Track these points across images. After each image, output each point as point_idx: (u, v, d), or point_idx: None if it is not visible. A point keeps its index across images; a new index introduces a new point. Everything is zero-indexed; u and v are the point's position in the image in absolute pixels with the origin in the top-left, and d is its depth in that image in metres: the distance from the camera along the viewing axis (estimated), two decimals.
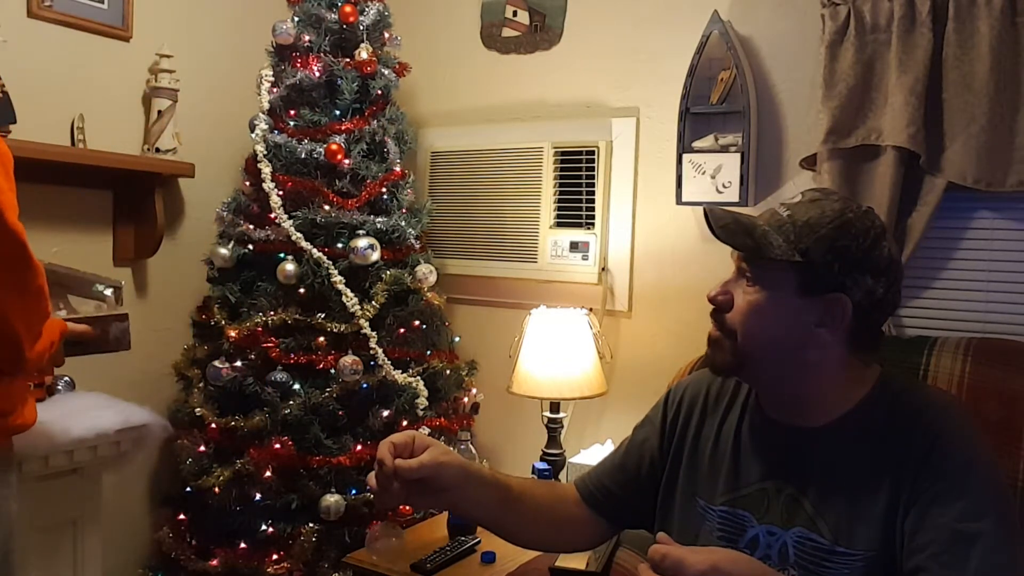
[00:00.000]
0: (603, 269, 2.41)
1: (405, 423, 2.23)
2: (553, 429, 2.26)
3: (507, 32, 2.62)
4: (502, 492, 1.25)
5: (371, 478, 1.13)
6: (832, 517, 1.10)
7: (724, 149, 2.12)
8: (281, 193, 2.27)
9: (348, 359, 2.16)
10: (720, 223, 1.15)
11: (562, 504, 1.34)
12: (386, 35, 2.44)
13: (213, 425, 2.20)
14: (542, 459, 2.23)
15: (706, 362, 1.25)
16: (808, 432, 1.16)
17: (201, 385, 2.28)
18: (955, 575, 0.99)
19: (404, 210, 2.39)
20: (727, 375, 1.26)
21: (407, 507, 1.17)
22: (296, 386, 2.18)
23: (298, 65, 2.33)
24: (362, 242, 2.22)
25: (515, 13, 2.61)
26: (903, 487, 1.07)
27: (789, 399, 1.18)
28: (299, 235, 2.23)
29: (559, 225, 2.50)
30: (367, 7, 2.38)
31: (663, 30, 2.32)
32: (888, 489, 1.08)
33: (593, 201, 2.43)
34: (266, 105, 2.34)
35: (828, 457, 1.14)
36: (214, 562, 2.16)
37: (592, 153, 2.43)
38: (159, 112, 2.35)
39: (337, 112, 2.34)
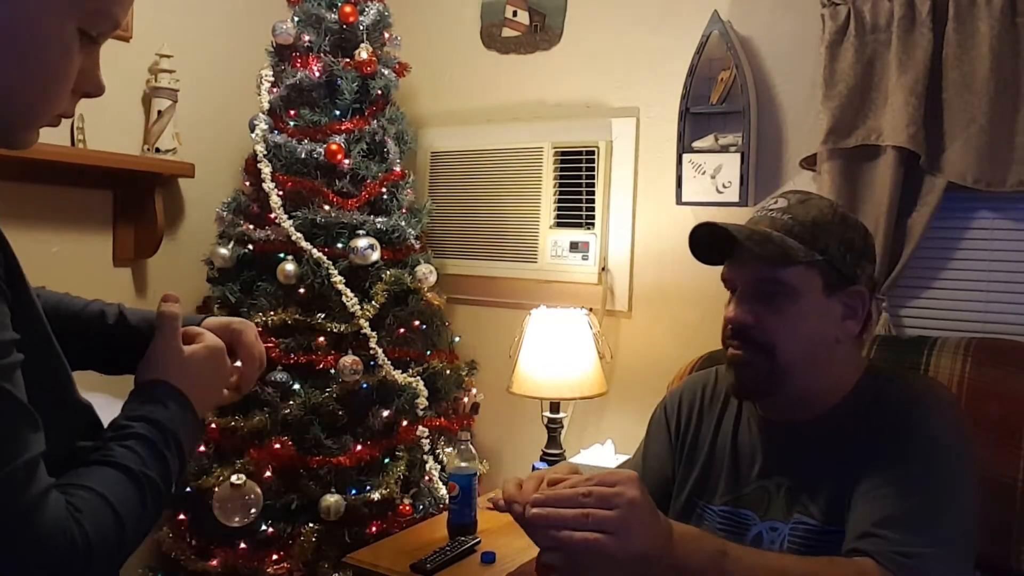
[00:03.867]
0: (603, 269, 2.41)
1: (405, 423, 2.23)
2: (553, 429, 2.26)
3: (507, 32, 2.62)
4: None
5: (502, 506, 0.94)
6: (822, 499, 1.12)
7: (724, 149, 2.12)
8: (281, 193, 2.27)
9: (348, 359, 2.16)
10: (743, 235, 1.12)
11: None
12: (386, 35, 2.44)
13: (213, 425, 2.20)
14: (542, 459, 2.23)
15: (737, 389, 1.21)
16: (802, 425, 1.18)
17: None
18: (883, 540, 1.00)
19: (404, 210, 2.39)
20: (758, 396, 1.22)
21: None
22: (296, 386, 2.18)
23: (298, 65, 2.33)
24: (362, 242, 2.22)
25: (515, 13, 2.61)
26: (882, 465, 1.08)
27: (798, 397, 1.18)
28: (299, 235, 2.23)
29: (559, 225, 2.50)
30: (367, 7, 2.38)
31: (663, 30, 2.32)
32: (870, 470, 1.09)
33: (593, 201, 2.43)
34: (266, 105, 2.34)
35: (818, 445, 1.15)
36: (214, 562, 2.16)
37: (592, 153, 2.43)
38: (159, 112, 2.35)
39: (337, 112, 2.34)
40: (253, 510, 1.95)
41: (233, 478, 1.94)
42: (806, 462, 1.15)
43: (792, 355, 1.14)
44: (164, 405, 0.80)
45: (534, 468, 2.15)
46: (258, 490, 1.96)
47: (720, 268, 1.22)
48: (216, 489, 1.99)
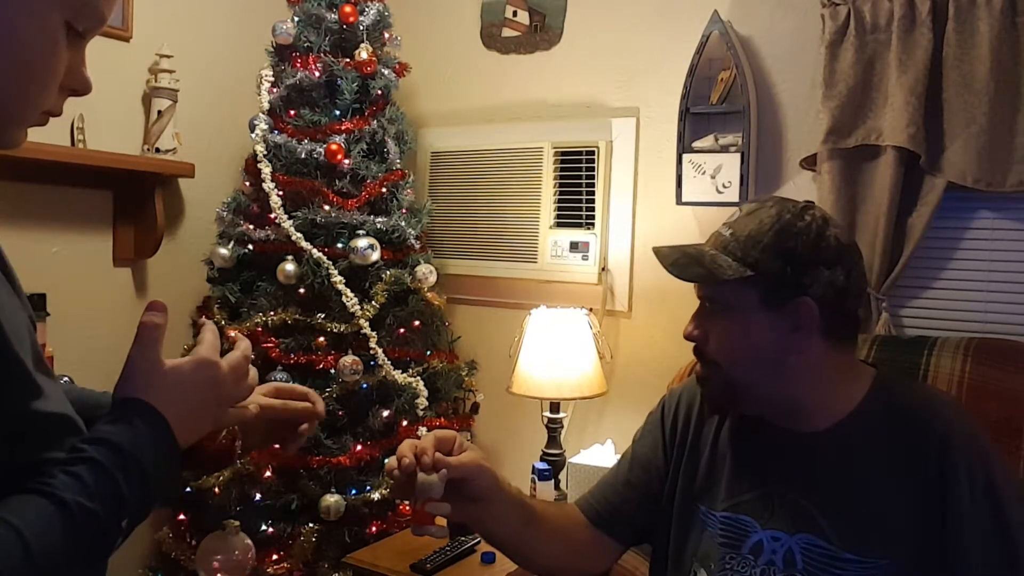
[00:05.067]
0: (603, 269, 2.41)
1: (405, 423, 2.23)
2: (553, 429, 2.26)
3: (507, 32, 2.62)
4: (527, 513, 1.21)
5: (395, 467, 1.06)
6: (841, 523, 1.09)
7: (724, 149, 2.12)
8: (281, 193, 2.27)
9: (348, 359, 2.16)
10: (668, 260, 1.16)
11: (574, 527, 1.29)
12: (386, 35, 2.44)
13: None
14: (542, 459, 2.23)
15: (706, 405, 1.25)
16: (811, 436, 1.15)
17: None
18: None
19: (404, 210, 2.39)
20: (726, 410, 1.23)
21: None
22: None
23: (298, 65, 2.33)
24: (362, 242, 2.22)
25: (515, 13, 2.61)
26: (924, 499, 1.06)
27: (788, 408, 1.17)
28: (299, 235, 2.23)
29: (559, 225, 2.49)
30: (367, 7, 2.38)
31: (663, 30, 2.32)
32: (906, 498, 1.07)
33: (593, 201, 2.43)
34: (266, 105, 2.34)
35: (834, 462, 1.12)
36: None
37: (592, 153, 2.43)
38: (159, 112, 2.35)
39: (337, 112, 2.34)
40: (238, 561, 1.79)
41: (224, 523, 1.84)
42: (820, 478, 1.13)
43: (739, 371, 1.14)
44: (131, 426, 0.73)
45: (534, 468, 2.15)
46: (247, 542, 1.83)
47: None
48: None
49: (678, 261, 1.16)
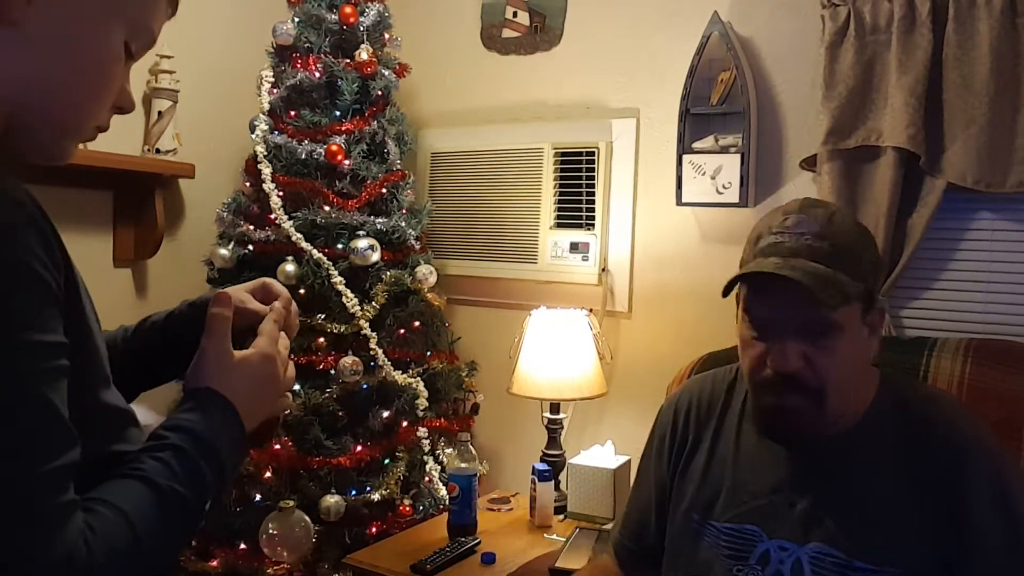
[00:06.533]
0: (603, 270, 2.41)
1: (405, 424, 2.23)
2: (553, 430, 2.26)
3: (507, 33, 2.63)
4: None
5: None
6: (853, 531, 1.07)
7: (724, 150, 2.12)
8: (281, 194, 2.27)
9: (348, 360, 2.16)
10: (814, 283, 1.01)
11: None
12: (386, 36, 2.44)
13: None
14: (542, 460, 2.23)
15: (775, 436, 1.14)
16: (819, 443, 1.12)
17: None
18: None
19: (404, 211, 2.39)
20: (804, 442, 1.14)
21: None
22: (296, 387, 2.18)
23: (298, 66, 2.33)
24: (362, 243, 2.22)
25: (515, 14, 2.61)
26: (934, 505, 1.05)
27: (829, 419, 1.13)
28: (299, 236, 2.23)
29: (559, 226, 2.49)
30: (367, 8, 2.38)
31: (663, 30, 2.32)
32: (917, 504, 1.06)
33: (593, 202, 2.43)
34: (266, 106, 2.34)
35: (845, 468, 1.10)
36: (214, 562, 2.15)
37: (592, 154, 2.43)
38: (159, 113, 2.35)
39: (337, 113, 2.34)
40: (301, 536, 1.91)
41: (281, 503, 1.96)
42: (831, 484, 1.10)
43: (838, 391, 1.08)
44: (206, 414, 0.77)
45: (534, 469, 2.15)
46: (306, 520, 1.93)
47: (723, 292, 1.12)
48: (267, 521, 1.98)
49: (816, 284, 1.01)
